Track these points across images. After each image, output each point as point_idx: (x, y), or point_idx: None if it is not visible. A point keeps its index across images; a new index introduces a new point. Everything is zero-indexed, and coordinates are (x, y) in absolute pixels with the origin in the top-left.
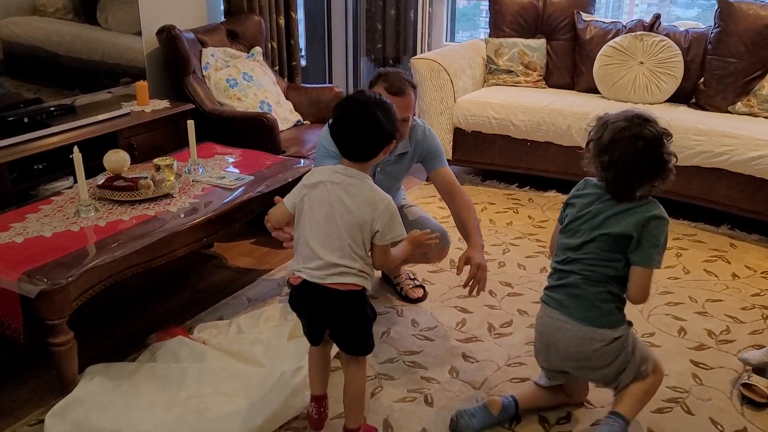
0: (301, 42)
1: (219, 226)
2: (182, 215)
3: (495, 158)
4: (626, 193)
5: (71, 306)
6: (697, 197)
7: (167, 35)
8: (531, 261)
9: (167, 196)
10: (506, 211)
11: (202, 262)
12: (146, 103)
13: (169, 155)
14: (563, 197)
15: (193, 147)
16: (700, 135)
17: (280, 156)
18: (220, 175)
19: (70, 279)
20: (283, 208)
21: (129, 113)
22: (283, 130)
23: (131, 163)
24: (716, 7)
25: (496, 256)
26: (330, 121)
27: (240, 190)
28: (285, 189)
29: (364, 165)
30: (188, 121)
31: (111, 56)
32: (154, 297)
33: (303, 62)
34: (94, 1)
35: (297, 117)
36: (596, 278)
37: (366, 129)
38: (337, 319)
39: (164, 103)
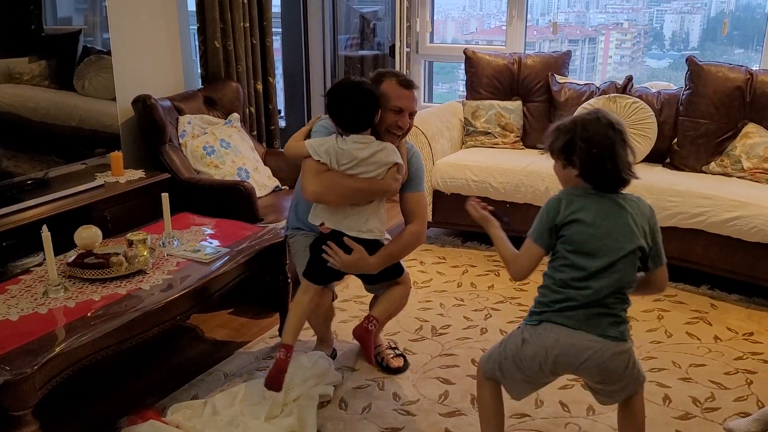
0: (281, 104)
1: (193, 303)
2: (155, 293)
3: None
4: (621, 180)
5: (36, 395)
6: (676, 257)
7: (143, 105)
8: (514, 327)
9: (140, 272)
10: (487, 274)
11: (177, 335)
12: (121, 174)
13: (144, 227)
14: (544, 258)
15: (168, 220)
16: (676, 196)
17: (257, 225)
18: (195, 248)
19: (36, 367)
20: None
21: (103, 185)
22: (261, 197)
23: (105, 237)
24: (687, 70)
25: (478, 321)
26: (327, 105)
27: (216, 263)
28: (261, 259)
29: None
30: (162, 194)
31: (88, 122)
32: (126, 374)
33: (283, 123)
34: (71, 67)
35: (275, 183)
36: (624, 293)
37: (355, 101)
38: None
39: (139, 173)
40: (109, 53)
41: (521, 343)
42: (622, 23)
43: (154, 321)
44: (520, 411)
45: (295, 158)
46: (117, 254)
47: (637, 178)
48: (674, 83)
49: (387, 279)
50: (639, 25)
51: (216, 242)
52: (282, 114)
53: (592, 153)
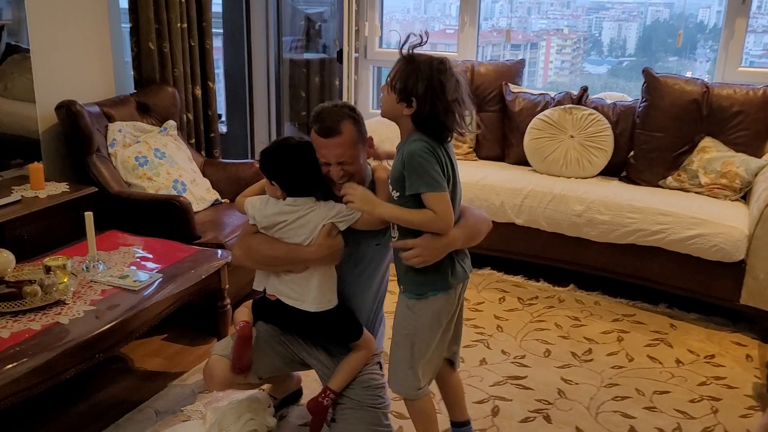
0: (222, 108)
1: (119, 338)
2: (75, 328)
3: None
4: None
5: None
6: (633, 275)
7: (67, 111)
8: (469, 352)
9: (58, 303)
10: None
11: (101, 366)
12: (41, 187)
13: (66, 248)
14: (498, 275)
15: (92, 241)
16: (634, 213)
17: (193, 246)
18: (122, 273)
19: None
20: None
21: (20, 200)
22: (199, 211)
23: (20, 260)
24: (643, 82)
25: None
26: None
27: (146, 291)
28: (200, 288)
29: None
30: (86, 213)
31: (10, 128)
32: (41, 413)
33: (224, 128)
34: None
35: (215, 196)
36: None
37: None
38: None
39: (62, 187)
40: None
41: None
42: (562, 29)
43: (73, 361)
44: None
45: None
46: (31, 282)
47: (468, 133)
48: (613, 89)
49: (345, 342)
50: (579, 32)
51: (149, 266)
52: (223, 119)
53: (431, 96)
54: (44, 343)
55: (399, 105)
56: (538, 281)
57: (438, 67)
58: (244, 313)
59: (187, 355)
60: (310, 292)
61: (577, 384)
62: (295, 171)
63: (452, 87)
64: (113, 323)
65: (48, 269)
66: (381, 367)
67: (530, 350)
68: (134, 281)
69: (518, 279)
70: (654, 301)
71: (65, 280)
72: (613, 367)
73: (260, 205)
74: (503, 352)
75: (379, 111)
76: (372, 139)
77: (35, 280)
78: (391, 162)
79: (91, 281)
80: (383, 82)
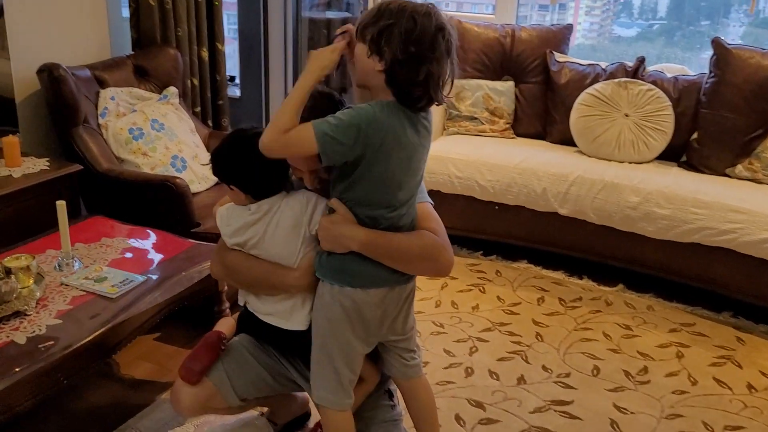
0: (236, 70)
1: (90, 360)
2: (34, 348)
3: (456, 222)
4: (428, 98)
5: None
6: (694, 278)
7: (49, 76)
8: (505, 366)
9: (17, 314)
10: (471, 290)
11: None
12: (17, 164)
13: (43, 237)
14: (536, 269)
15: (65, 235)
16: (700, 208)
17: (188, 240)
18: (100, 274)
19: None
20: None
21: None
22: (200, 192)
23: None
24: (712, 54)
25: (462, 359)
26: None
27: (126, 299)
28: (192, 293)
29: None
30: (58, 202)
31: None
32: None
33: (237, 92)
34: None
35: None
36: None
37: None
38: None
39: (42, 164)
40: None
41: None
42: None
43: (30, 391)
44: None
45: None
46: None
47: (443, 103)
48: (640, 53)
49: None
50: None
51: (133, 264)
52: (237, 82)
53: (410, 51)
54: None
55: (370, 60)
56: (581, 278)
57: (421, 11)
58: (224, 324)
59: (181, 360)
60: (297, 311)
61: (633, 413)
62: (256, 167)
63: (438, 40)
64: (81, 343)
65: (8, 271)
66: (392, 396)
67: (576, 366)
68: (112, 286)
69: (559, 275)
70: (716, 308)
71: (29, 283)
72: (674, 392)
73: (226, 218)
74: (544, 368)
75: None
76: None
77: None
78: None
79: (62, 284)
80: None
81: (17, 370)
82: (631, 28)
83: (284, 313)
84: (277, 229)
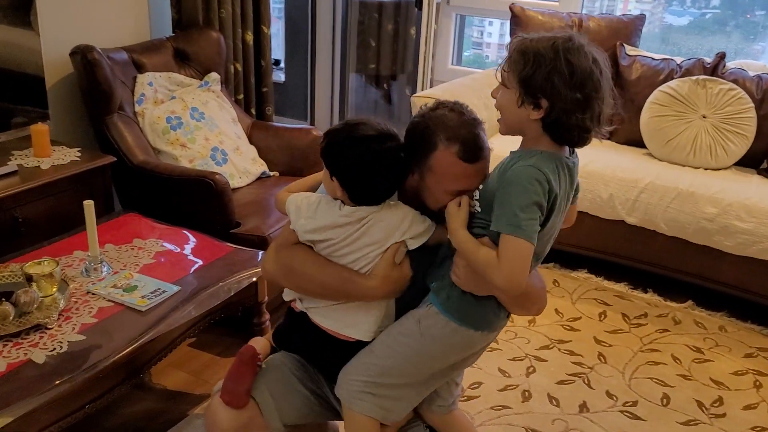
0: (281, 54)
1: (115, 382)
2: (52, 370)
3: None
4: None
5: None
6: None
7: (82, 59)
8: (565, 391)
9: (37, 328)
10: None
11: None
12: (46, 154)
13: (72, 236)
14: (597, 280)
15: (93, 237)
16: None
17: (228, 244)
18: (130, 282)
19: None
20: None
21: (16, 170)
22: (241, 187)
23: (12, 250)
24: None
25: (518, 380)
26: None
27: (157, 311)
28: (230, 305)
29: None
30: (85, 203)
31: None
32: None
33: (282, 76)
34: None
35: (262, 168)
36: None
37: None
38: None
39: (73, 154)
40: None
41: None
42: None
43: (49, 418)
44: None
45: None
46: (2, 301)
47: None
48: (692, 44)
49: None
50: None
51: (166, 271)
52: (282, 66)
53: (576, 98)
54: (4, 396)
55: (522, 109)
56: (645, 292)
57: (571, 47)
58: (257, 344)
59: (218, 369)
60: (368, 320)
61: None
62: (371, 176)
63: (597, 76)
64: (105, 365)
65: (29, 278)
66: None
67: (643, 394)
68: (142, 297)
69: (622, 288)
70: None
71: (52, 291)
72: (752, 429)
73: (308, 210)
74: (609, 394)
75: (458, 66)
76: None
77: (13, 294)
78: None
79: (88, 293)
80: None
81: (36, 396)
82: (683, 17)
83: (348, 320)
84: (363, 237)
